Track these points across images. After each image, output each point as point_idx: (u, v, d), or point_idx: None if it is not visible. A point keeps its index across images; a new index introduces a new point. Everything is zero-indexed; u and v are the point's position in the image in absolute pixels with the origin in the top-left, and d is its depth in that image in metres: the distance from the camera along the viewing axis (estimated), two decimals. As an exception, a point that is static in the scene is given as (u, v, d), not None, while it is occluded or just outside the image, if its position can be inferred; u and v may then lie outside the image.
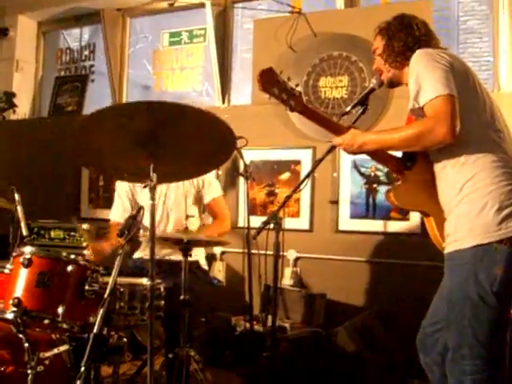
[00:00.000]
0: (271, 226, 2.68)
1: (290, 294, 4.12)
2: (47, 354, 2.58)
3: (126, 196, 3.68)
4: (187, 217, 2.99)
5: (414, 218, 4.03)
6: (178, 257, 3.28)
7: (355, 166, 4.25)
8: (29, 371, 2.48)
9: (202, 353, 3.00)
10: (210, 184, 3.60)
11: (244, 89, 5.11)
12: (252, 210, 4.29)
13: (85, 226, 4.20)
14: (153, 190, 2.28)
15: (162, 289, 2.86)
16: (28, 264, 2.55)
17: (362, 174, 4.24)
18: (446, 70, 2.17)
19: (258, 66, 4.66)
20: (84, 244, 3.48)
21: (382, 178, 4.18)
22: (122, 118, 2.29)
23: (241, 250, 3.91)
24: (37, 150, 5.60)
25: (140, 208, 2.35)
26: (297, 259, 4.39)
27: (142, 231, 2.83)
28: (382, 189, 4.18)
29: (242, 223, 3.72)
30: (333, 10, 4.73)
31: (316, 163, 2.84)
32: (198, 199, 3.61)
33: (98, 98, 5.85)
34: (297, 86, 2.47)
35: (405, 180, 2.46)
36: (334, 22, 4.50)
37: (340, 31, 4.43)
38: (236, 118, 4.15)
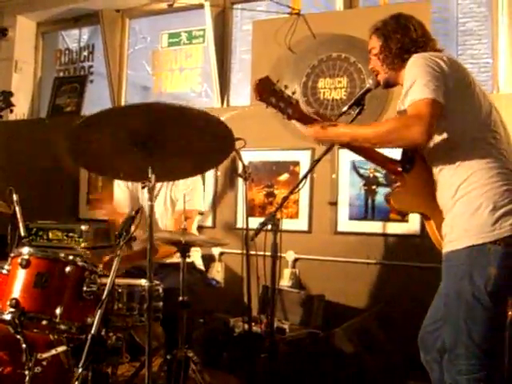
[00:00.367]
0: (269, 227, 2.67)
1: (289, 296, 4.12)
2: (45, 355, 2.58)
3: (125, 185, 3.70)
4: (186, 218, 2.98)
5: (413, 219, 4.03)
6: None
7: (354, 168, 4.25)
8: (26, 372, 2.49)
9: (200, 354, 2.99)
10: (196, 197, 3.62)
11: (243, 90, 5.11)
12: (251, 211, 4.30)
13: (83, 226, 4.20)
14: (151, 190, 2.27)
15: (161, 290, 2.86)
16: (26, 265, 2.55)
17: (360, 176, 4.24)
18: (437, 76, 2.17)
19: (257, 67, 4.71)
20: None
21: (381, 180, 4.18)
22: (120, 120, 2.30)
23: (239, 251, 3.90)
24: (35, 150, 5.58)
25: (139, 209, 2.35)
26: (295, 260, 4.38)
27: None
28: (381, 190, 4.18)
29: (240, 224, 3.71)
30: (332, 11, 4.74)
31: (313, 164, 2.84)
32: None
33: (96, 99, 5.85)
34: (293, 93, 2.46)
35: (404, 183, 2.46)
36: (333, 23, 4.50)
37: (339, 32, 4.43)
38: (235, 118, 4.16)
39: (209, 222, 4.58)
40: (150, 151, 2.31)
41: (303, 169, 4.41)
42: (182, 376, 2.80)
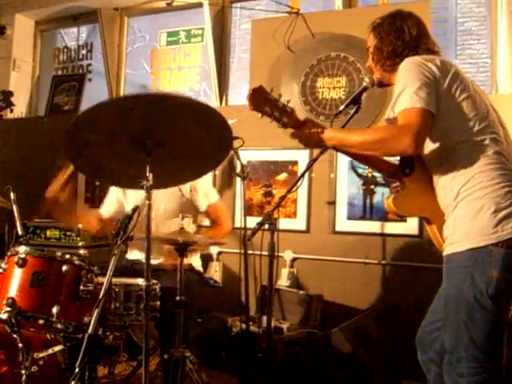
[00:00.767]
0: (266, 226, 2.66)
1: (287, 295, 4.11)
2: (41, 355, 2.57)
3: (115, 194, 3.68)
4: (183, 217, 2.97)
5: (412, 219, 4.03)
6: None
7: (352, 167, 4.24)
8: (23, 371, 2.47)
9: (197, 353, 2.99)
10: (205, 192, 3.56)
11: (241, 89, 5.11)
12: (249, 211, 4.30)
13: (81, 225, 4.18)
14: (149, 189, 2.26)
15: (158, 289, 2.85)
16: (22, 264, 2.53)
17: (359, 175, 4.24)
18: (428, 83, 2.17)
19: (256, 66, 4.71)
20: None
21: (379, 180, 4.17)
22: (118, 116, 2.29)
23: (237, 251, 3.89)
24: (33, 149, 5.58)
25: (136, 208, 2.34)
26: (293, 260, 4.38)
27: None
28: (380, 190, 4.18)
29: (238, 224, 3.70)
30: (331, 10, 4.73)
31: (310, 163, 2.83)
32: (192, 207, 3.58)
33: (95, 98, 5.83)
34: (288, 102, 2.45)
35: (404, 187, 2.45)
36: (331, 22, 4.49)
37: (338, 32, 4.43)
38: (233, 118, 4.14)
39: (207, 222, 4.57)
40: (148, 151, 2.30)
41: (301, 168, 4.40)
42: (179, 375, 2.79)
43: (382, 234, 4.19)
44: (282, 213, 4.37)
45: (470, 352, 2.13)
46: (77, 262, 2.58)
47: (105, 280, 2.28)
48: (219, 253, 4.60)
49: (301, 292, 4.20)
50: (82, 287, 2.56)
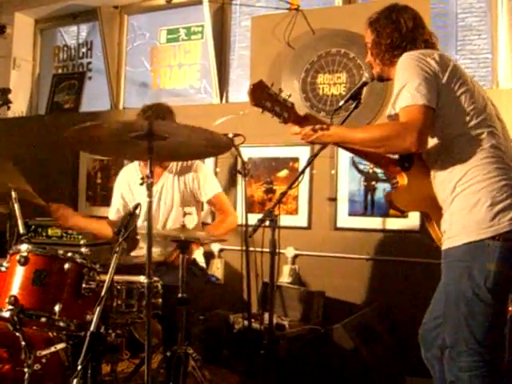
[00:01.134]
0: (267, 223, 2.66)
1: (289, 292, 4.11)
2: (44, 353, 2.58)
3: (120, 196, 3.67)
4: (185, 214, 2.97)
5: (413, 215, 4.02)
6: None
7: (354, 163, 4.24)
8: (26, 370, 2.48)
9: (200, 350, 2.99)
10: (207, 182, 3.56)
11: (242, 86, 5.10)
12: (250, 208, 4.29)
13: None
14: (150, 187, 2.27)
15: (160, 287, 2.85)
16: (24, 262, 2.54)
17: (360, 172, 4.23)
18: (427, 78, 2.17)
19: (256, 63, 4.70)
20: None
21: (381, 176, 4.17)
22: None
23: (239, 248, 3.89)
24: (35, 147, 5.59)
25: (137, 205, 2.34)
26: (295, 257, 4.38)
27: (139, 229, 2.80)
28: (381, 186, 4.18)
29: (240, 220, 3.70)
30: (331, 6, 4.72)
31: (311, 159, 2.83)
32: (195, 199, 3.58)
33: (95, 96, 5.84)
34: (289, 96, 2.45)
35: (403, 182, 2.45)
36: (332, 18, 4.49)
37: (338, 28, 4.42)
38: (233, 114, 4.15)
39: (208, 219, 4.57)
40: (149, 150, 2.32)
41: (302, 165, 4.38)
42: (181, 373, 2.80)
43: (384, 230, 4.19)
44: (284, 209, 4.37)
45: (470, 346, 2.13)
46: (79, 260, 2.58)
47: (107, 278, 2.29)
48: (221, 250, 4.60)
49: (302, 288, 4.20)
50: (84, 285, 2.56)
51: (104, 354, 2.75)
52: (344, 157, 4.25)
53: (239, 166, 3.55)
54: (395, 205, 2.44)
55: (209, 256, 4.42)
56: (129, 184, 3.56)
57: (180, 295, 2.80)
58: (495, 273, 2.08)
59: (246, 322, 3.77)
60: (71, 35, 6.31)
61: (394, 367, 3.61)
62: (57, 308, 2.48)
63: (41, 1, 5.96)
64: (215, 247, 4.59)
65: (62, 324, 2.52)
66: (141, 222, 2.60)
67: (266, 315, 3.80)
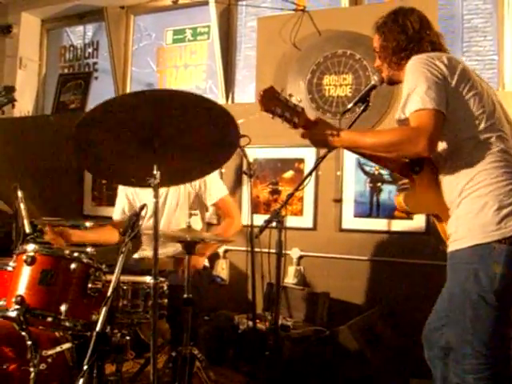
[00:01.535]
0: (274, 224, 2.67)
1: (294, 293, 4.12)
2: (50, 352, 2.58)
3: (125, 197, 3.68)
4: (190, 215, 2.98)
5: (419, 216, 4.01)
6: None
7: (359, 165, 4.24)
8: (31, 369, 2.49)
9: (204, 351, 2.99)
10: (213, 185, 3.56)
11: (248, 86, 5.11)
12: (255, 209, 4.29)
13: (88, 223, 4.19)
14: (156, 188, 2.27)
15: (165, 287, 2.86)
16: (31, 262, 2.54)
17: (366, 173, 4.23)
18: (437, 82, 2.17)
19: (262, 64, 4.71)
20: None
21: (386, 177, 4.17)
22: (123, 114, 2.29)
23: (244, 249, 3.89)
24: (40, 147, 5.60)
25: (143, 206, 2.34)
26: (300, 258, 4.38)
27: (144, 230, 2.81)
28: (386, 188, 4.18)
29: (245, 221, 3.70)
30: (337, 7, 4.72)
31: (318, 161, 2.83)
32: (200, 201, 3.58)
33: (101, 96, 5.84)
34: (300, 101, 2.45)
35: (413, 184, 2.45)
36: (338, 19, 4.48)
37: (344, 29, 4.41)
38: (240, 115, 4.14)
39: (214, 220, 4.57)
40: (155, 148, 2.31)
41: (308, 166, 4.40)
42: (187, 373, 2.80)
43: (389, 232, 4.19)
44: (289, 210, 4.37)
45: (475, 348, 2.13)
46: (85, 260, 2.59)
47: (113, 278, 2.29)
48: (226, 251, 4.60)
49: (307, 289, 4.20)
50: (90, 285, 2.56)
51: (109, 354, 2.76)
52: (349, 158, 4.25)
53: (245, 167, 3.55)
54: (405, 207, 2.44)
55: (214, 257, 4.42)
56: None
57: (185, 295, 2.80)
58: (501, 276, 2.08)
59: (250, 323, 3.77)
60: (77, 35, 6.34)
61: (398, 369, 3.61)
62: (63, 308, 2.49)
63: (47, 1, 5.98)
64: (220, 248, 4.59)
65: (68, 324, 2.53)
66: (144, 223, 2.60)
67: (270, 316, 3.83)
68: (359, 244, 4.23)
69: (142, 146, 2.34)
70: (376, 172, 4.21)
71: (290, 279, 4.32)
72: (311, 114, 2.53)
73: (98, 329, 2.20)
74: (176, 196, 3.50)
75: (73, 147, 2.37)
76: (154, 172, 2.28)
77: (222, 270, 4.58)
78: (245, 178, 4.44)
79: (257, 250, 3.31)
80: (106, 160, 2.48)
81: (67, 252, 2.61)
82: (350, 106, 2.71)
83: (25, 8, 6.13)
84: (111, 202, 4.95)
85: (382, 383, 3.42)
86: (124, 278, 2.70)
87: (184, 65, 5.44)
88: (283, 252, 2.69)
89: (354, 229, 4.28)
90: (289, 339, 3.61)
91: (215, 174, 3.70)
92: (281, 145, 4.47)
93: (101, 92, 5.89)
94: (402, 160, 2.54)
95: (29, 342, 2.52)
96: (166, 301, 2.84)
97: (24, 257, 2.56)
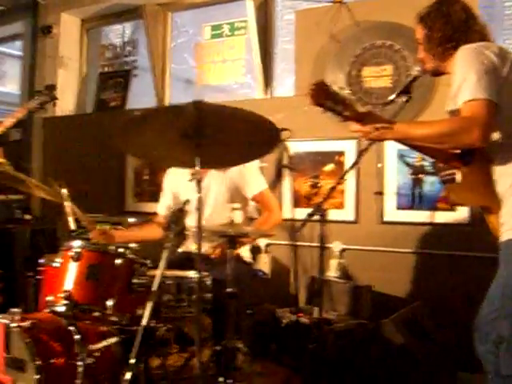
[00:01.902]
0: (316, 217, 2.66)
1: (336, 286, 4.09)
2: (97, 346, 2.63)
3: (169, 192, 3.71)
4: (232, 209, 2.99)
5: (462, 208, 3.95)
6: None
7: (401, 157, 4.19)
8: (79, 363, 2.54)
9: (247, 345, 3.00)
10: (253, 179, 3.56)
11: (286, 80, 5.09)
12: (296, 202, 4.28)
13: (131, 219, 4.25)
14: (199, 183, 2.29)
15: (209, 281, 2.87)
16: (78, 258, 2.60)
17: (407, 165, 4.18)
18: (488, 72, 2.13)
19: (301, 57, 4.69)
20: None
21: (429, 168, 4.11)
22: (167, 116, 2.32)
23: (286, 242, 3.91)
24: (82, 145, 5.69)
25: (187, 201, 2.36)
26: (342, 251, 4.35)
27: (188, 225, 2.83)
28: (429, 179, 4.12)
29: (287, 215, 3.70)
30: (375, -2, 4.67)
31: (360, 154, 2.80)
32: (241, 195, 3.59)
33: (141, 93, 5.91)
34: (350, 94, 2.43)
35: (463, 176, 2.41)
36: (376, 10, 4.43)
37: (383, 20, 4.36)
38: (279, 109, 4.14)
39: (255, 214, 4.57)
40: (197, 143, 2.33)
41: (348, 159, 4.37)
42: (231, 366, 2.82)
43: (432, 224, 4.13)
44: (330, 204, 4.34)
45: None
46: (130, 256, 2.63)
47: (157, 273, 2.32)
48: (267, 245, 4.59)
49: (350, 283, 4.18)
50: (135, 280, 2.61)
51: (154, 347, 2.80)
52: (391, 150, 4.20)
53: (285, 161, 3.54)
54: (455, 199, 2.41)
55: (255, 251, 4.43)
56: (177, 180, 3.60)
57: (229, 289, 2.81)
58: None
59: (293, 317, 3.77)
60: (116, 34, 6.41)
61: (445, 362, 3.56)
62: (109, 303, 2.53)
63: (86, 1, 6.05)
64: (262, 242, 4.59)
65: (114, 318, 2.58)
66: (189, 219, 2.61)
67: (314, 309, 3.83)
68: (402, 236, 4.19)
69: (185, 139, 2.35)
70: (418, 163, 4.15)
71: (332, 272, 4.29)
72: (365, 108, 2.49)
73: (144, 323, 2.23)
74: (218, 191, 3.51)
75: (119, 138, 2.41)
76: (196, 168, 2.29)
77: (263, 264, 4.57)
78: (285, 171, 4.43)
79: (299, 243, 3.31)
80: (150, 147, 2.52)
81: (112, 248, 2.65)
82: (391, 97, 2.68)
83: (64, 8, 6.22)
84: (153, 197, 5.00)
85: (428, 377, 3.37)
86: (168, 272, 2.73)
87: (222, 60, 5.45)
88: (325, 245, 2.69)
89: (396, 221, 4.23)
90: (332, 333, 3.60)
91: (255, 168, 3.70)
92: (321, 138, 4.45)
93: (140, 89, 5.94)
94: (451, 151, 2.50)
95: (76, 337, 2.57)
96: (209, 295, 2.86)
97: (71, 253, 2.61)
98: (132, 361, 2.21)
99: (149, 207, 5.15)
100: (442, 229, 4.09)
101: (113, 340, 2.76)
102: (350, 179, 4.28)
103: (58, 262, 2.77)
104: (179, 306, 2.78)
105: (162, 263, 2.31)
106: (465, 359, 3.09)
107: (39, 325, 2.60)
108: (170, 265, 2.48)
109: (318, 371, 2.97)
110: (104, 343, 2.69)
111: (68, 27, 6.33)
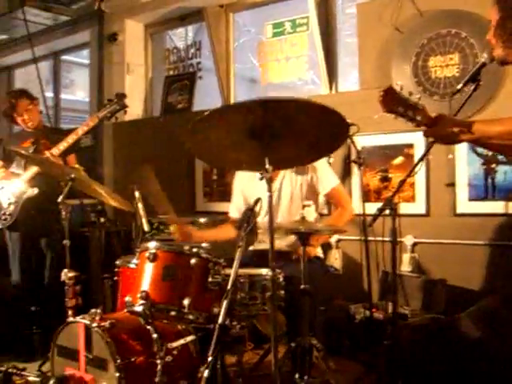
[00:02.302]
0: (387, 211, 2.63)
1: (409, 281, 4.05)
2: (175, 345, 2.68)
3: (240, 193, 3.74)
4: (304, 206, 2.99)
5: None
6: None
7: (471, 147, 4.09)
8: (158, 361, 2.59)
9: (321, 341, 3.00)
10: (325, 175, 3.55)
11: (350, 74, 5.06)
12: (366, 197, 4.23)
13: (202, 219, 4.31)
14: (269, 181, 2.30)
15: (282, 279, 2.88)
16: (154, 258, 2.65)
17: (479, 155, 4.07)
18: None
19: (364, 50, 4.65)
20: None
21: (501, 158, 4.00)
22: (234, 115, 2.34)
23: (356, 238, 3.87)
24: (151, 148, 5.81)
25: (258, 200, 2.38)
26: (414, 245, 4.29)
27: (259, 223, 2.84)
28: (502, 169, 4.01)
29: (356, 210, 3.67)
30: (439, -14, 4.58)
31: (429, 146, 2.75)
32: (312, 192, 3.59)
33: (206, 94, 5.99)
34: (419, 99, 2.39)
35: None
36: (440, -2, 4.35)
37: (446, 7, 4.27)
38: (344, 104, 4.11)
39: (325, 210, 4.56)
40: (265, 142, 2.34)
41: (417, 151, 4.29)
42: (306, 363, 2.82)
43: (506, 215, 4.02)
44: (400, 197, 4.28)
45: None
46: (204, 255, 2.67)
47: (231, 271, 2.35)
48: (338, 240, 4.58)
49: (423, 277, 4.12)
50: (210, 279, 2.64)
51: (230, 345, 2.83)
52: (461, 140, 4.11)
53: (353, 156, 3.52)
54: None
55: (326, 247, 4.42)
56: (248, 179, 3.62)
57: (302, 286, 2.82)
58: None
59: (367, 312, 3.75)
60: (179, 37, 6.51)
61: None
62: (185, 302, 2.57)
63: (149, 6, 6.16)
64: (332, 238, 4.58)
65: (191, 317, 2.62)
66: (261, 218, 2.63)
67: (387, 304, 3.78)
68: (475, 228, 4.09)
69: (253, 138, 2.37)
70: (489, 153, 4.04)
71: (405, 267, 4.24)
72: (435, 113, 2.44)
73: (220, 321, 2.26)
74: (289, 189, 3.52)
75: (188, 141, 2.45)
76: (267, 166, 2.30)
77: (334, 260, 4.56)
78: (353, 166, 4.40)
79: (370, 238, 3.28)
80: (219, 150, 2.55)
81: (187, 248, 2.69)
82: (459, 86, 2.61)
83: (128, 15, 6.37)
84: (222, 197, 5.07)
85: (509, 373, 3.29)
86: (241, 270, 2.75)
87: (285, 57, 5.45)
88: (397, 240, 2.66)
89: (469, 213, 4.13)
90: (407, 328, 3.55)
91: (326, 165, 3.69)
92: (388, 131, 4.39)
93: (206, 90, 6.02)
94: None
95: (154, 336, 2.63)
96: (282, 292, 2.87)
97: (146, 254, 2.68)
98: (209, 358, 2.23)
99: (218, 207, 5.22)
100: (516, 219, 3.98)
101: (190, 338, 2.81)
102: (421, 172, 4.21)
103: (134, 263, 2.85)
104: (253, 303, 2.80)
105: (236, 262, 2.33)
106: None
107: (119, 324, 2.68)
108: (243, 263, 2.51)
109: (393, 367, 2.94)
110: (181, 341, 2.74)
111: (132, 33, 6.47)
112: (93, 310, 2.72)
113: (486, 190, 4.08)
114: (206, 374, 2.23)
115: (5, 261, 4.52)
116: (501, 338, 3.37)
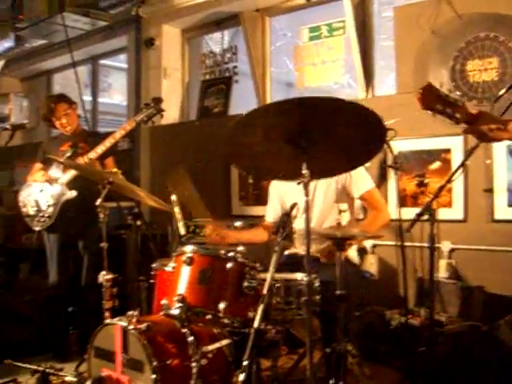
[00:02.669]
0: (425, 217, 2.61)
1: (446, 287, 4.00)
2: (210, 348, 2.68)
3: (276, 197, 3.75)
4: (340, 212, 2.98)
5: None
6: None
7: (510, 152, 4.03)
8: (193, 364, 2.60)
9: (356, 347, 2.99)
10: (359, 178, 3.53)
11: (386, 78, 5.02)
12: (402, 202, 4.20)
13: (238, 223, 4.31)
14: (306, 186, 2.30)
15: (317, 284, 2.88)
16: (190, 262, 2.68)
17: (518, 160, 4.02)
18: None
19: (401, 54, 4.62)
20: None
21: (541, 163, 3.94)
22: (271, 117, 2.34)
23: (393, 243, 3.84)
24: (188, 152, 5.84)
25: (294, 204, 2.38)
26: (451, 251, 4.24)
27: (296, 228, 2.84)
28: (541, 174, 3.94)
29: (393, 215, 3.64)
30: (477, -11, 4.52)
31: (470, 151, 2.73)
32: (347, 195, 3.57)
33: (242, 99, 6.00)
34: (462, 96, 2.37)
35: None
36: (478, 1, 4.28)
37: (485, 11, 4.21)
38: (381, 108, 4.08)
39: (360, 215, 4.53)
40: (303, 148, 2.34)
41: (455, 156, 4.24)
42: (341, 369, 2.81)
43: (547, 221, 3.95)
44: (438, 202, 4.23)
45: None
46: (240, 260, 2.68)
47: (267, 276, 2.35)
48: (374, 246, 4.55)
49: (460, 283, 4.07)
50: (245, 283, 2.65)
51: (265, 349, 2.83)
52: (499, 146, 4.04)
53: (390, 161, 3.49)
54: None
55: (362, 252, 4.39)
56: (284, 183, 3.62)
57: (338, 292, 2.80)
58: None
59: (402, 319, 3.71)
60: (216, 41, 6.54)
61: None
62: (221, 306, 2.59)
63: (185, 11, 6.20)
64: (368, 243, 4.55)
65: (226, 321, 2.63)
66: (297, 222, 2.63)
67: (424, 311, 3.75)
68: (514, 235, 4.03)
69: (290, 145, 2.37)
70: (529, 158, 3.98)
71: (441, 273, 4.19)
72: (476, 109, 2.41)
73: (255, 325, 2.27)
74: (325, 192, 3.51)
75: (225, 148, 2.46)
76: (304, 171, 2.30)
77: (370, 265, 4.54)
78: (389, 171, 4.36)
79: (406, 244, 3.26)
80: (256, 157, 2.55)
81: (223, 252, 2.71)
82: (502, 92, 2.58)
83: (165, 20, 6.42)
84: (258, 201, 5.08)
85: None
86: (276, 275, 2.76)
87: (322, 61, 5.44)
88: (434, 245, 2.63)
89: (508, 219, 4.06)
90: (443, 335, 3.51)
91: (361, 167, 3.68)
92: (425, 135, 4.35)
93: (242, 95, 6.04)
94: None
95: (190, 339, 2.64)
96: (318, 297, 2.86)
97: (183, 258, 2.70)
98: (245, 362, 2.24)
99: (254, 210, 5.23)
100: (557, 225, 3.91)
101: (225, 342, 2.82)
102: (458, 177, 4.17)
103: (170, 266, 2.87)
104: (288, 308, 2.80)
105: (272, 266, 2.34)
106: None
107: (155, 327, 2.69)
108: (279, 268, 2.51)
109: (429, 375, 2.91)
110: (217, 345, 2.75)
111: (169, 38, 6.53)
112: (130, 313, 2.74)
113: (525, 196, 4.02)
114: (241, 378, 2.24)
115: (43, 262, 4.60)
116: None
